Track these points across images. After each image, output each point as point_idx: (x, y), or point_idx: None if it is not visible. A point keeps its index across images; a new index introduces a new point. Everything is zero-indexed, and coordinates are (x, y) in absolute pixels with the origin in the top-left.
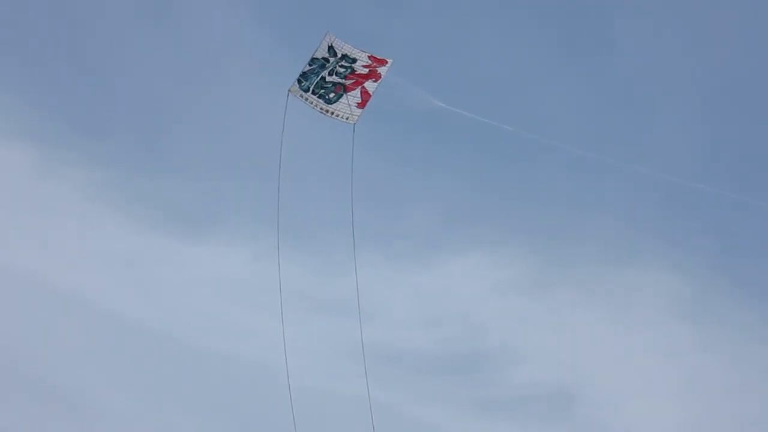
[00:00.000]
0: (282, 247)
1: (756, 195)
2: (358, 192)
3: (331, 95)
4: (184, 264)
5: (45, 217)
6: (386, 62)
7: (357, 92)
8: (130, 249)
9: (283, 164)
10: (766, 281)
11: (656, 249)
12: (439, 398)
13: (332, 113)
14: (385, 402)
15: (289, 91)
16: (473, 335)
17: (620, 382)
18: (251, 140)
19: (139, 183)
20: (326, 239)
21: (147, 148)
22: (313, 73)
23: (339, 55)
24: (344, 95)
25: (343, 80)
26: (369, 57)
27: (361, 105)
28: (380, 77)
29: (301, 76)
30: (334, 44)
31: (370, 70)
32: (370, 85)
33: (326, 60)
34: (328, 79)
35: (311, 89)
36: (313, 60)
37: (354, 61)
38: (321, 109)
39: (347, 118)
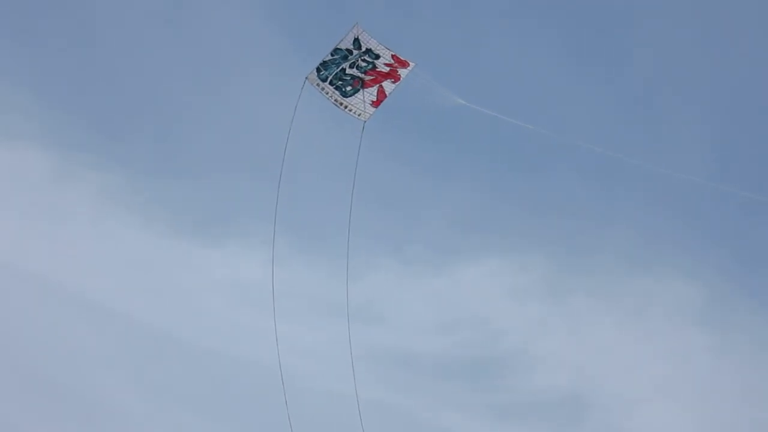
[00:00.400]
0: (296, 251)
1: None
2: (375, 196)
3: (348, 88)
4: (199, 267)
5: (61, 219)
6: (408, 65)
7: (374, 90)
8: (145, 252)
9: (298, 167)
10: None
11: (672, 257)
12: (454, 403)
13: (346, 107)
14: (400, 407)
15: (306, 78)
16: (489, 340)
17: (635, 389)
18: (269, 143)
19: (155, 185)
20: (342, 243)
21: (163, 150)
22: (333, 64)
23: (363, 49)
24: (361, 90)
25: (363, 75)
26: (392, 56)
27: (376, 104)
28: (399, 79)
29: (321, 65)
30: (360, 37)
31: (391, 70)
32: (388, 85)
33: (350, 51)
34: (348, 71)
35: (329, 79)
36: (336, 50)
37: (377, 57)
38: (335, 101)
39: (359, 115)
